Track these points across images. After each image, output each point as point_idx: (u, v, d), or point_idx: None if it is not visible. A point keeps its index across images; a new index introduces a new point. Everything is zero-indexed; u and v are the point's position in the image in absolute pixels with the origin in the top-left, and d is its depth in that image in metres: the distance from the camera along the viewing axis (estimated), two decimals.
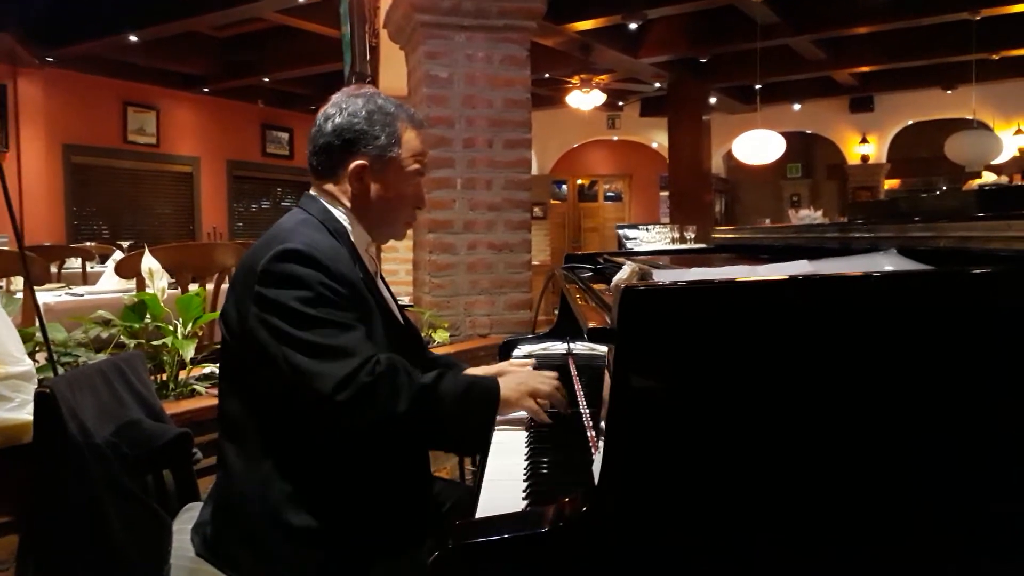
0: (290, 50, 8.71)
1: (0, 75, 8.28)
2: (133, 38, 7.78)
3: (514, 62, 3.39)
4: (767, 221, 6.86)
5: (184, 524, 1.61)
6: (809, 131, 11.76)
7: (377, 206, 1.53)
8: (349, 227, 1.52)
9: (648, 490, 0.84)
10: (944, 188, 11.50)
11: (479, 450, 1.45)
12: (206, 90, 10.14)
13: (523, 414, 1.49)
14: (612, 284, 1.46)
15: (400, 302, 1.73)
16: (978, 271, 0.86)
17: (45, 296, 3.70)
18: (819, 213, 5.14)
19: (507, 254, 3.39)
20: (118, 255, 6.65)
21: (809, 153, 12.50)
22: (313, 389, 1.29)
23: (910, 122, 11.08)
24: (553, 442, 1.41)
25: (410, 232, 3.75)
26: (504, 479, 1.24)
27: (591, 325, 0.95)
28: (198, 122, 10.51)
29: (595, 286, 1.73)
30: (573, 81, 8.18)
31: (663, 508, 0.84)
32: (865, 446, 0.82)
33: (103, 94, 9.38)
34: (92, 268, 6.43)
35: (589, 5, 6.70)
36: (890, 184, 11.70)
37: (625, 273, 1.45)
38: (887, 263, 1.10)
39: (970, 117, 9.14)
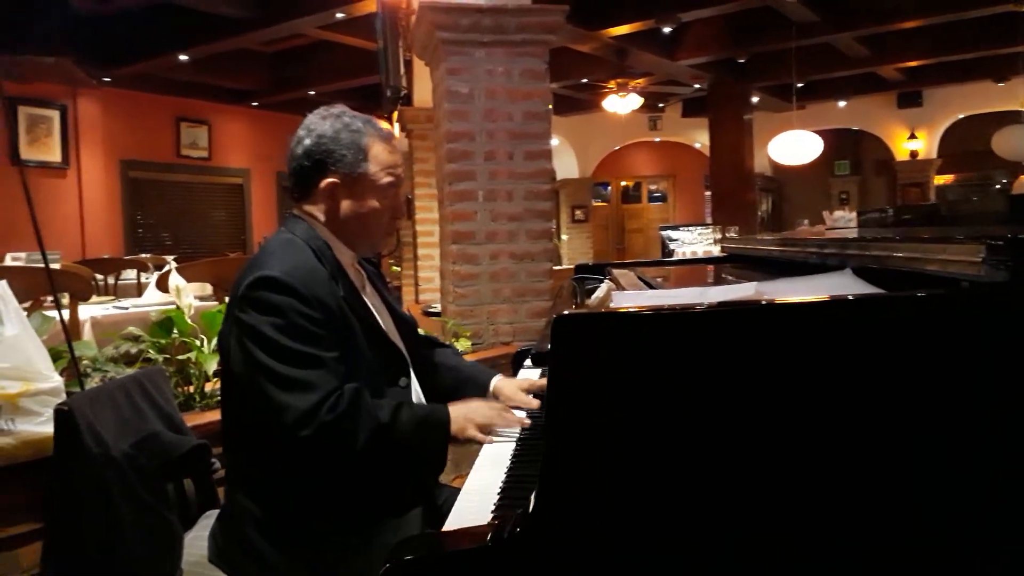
0: (332, 64, 8.93)
1: (61, 96, 8.66)
2: (184, 57, 8.07)
3: (533, 75, 3.45)
4: (805, 222, 6.76)
5: (202, 531, 1.71)
6: (856, 128, 11.52)
7: (353, 221, 1.57)
8: (331, 244, 1.57)
9: (579, 512, 0.89)
10: (1004, 182, 11.15)
11: (434, 476, 1.54)
12: (255, 104, 10.44)
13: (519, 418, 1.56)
14: (591, 301, 1.52)
15: (432, 308, 1.81)
16: (888, 295, 0.89)
17: (94, 309, 3.89)
18: (854, 214, 5.06)
19: (529, 263, 3.45)
20: (167, 268, 6.93)
21: (857, 150, 12.25)
22: (279, 420, 1.37)
23: (961, 116, 10.77)
24: (537, 456, 1.45)
25: (439, 241, 3.84)
26: (481, 491, 1.30)
27: (536, 349, 1.00)
28: (248, 135, 10.82)
29: (588, 301, 1.78)
30: (609, 85, 8.19)
31: (594, 530, 0.88)
32: (774, 464, 0.85)
33: (157, 111, 9.74)
34: (146, 279, 6.69)
35: (622, 10, 6.71)
36: (942, 179, 11.39)
37: (602, 292, 1.51)
38: (835, 285, 1.13)
39: (1022, 109, 8.85)
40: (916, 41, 8.20)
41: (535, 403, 1.69)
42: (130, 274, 6.85)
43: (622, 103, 8.10)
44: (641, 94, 8.41)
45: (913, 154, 11.07)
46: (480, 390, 1.76)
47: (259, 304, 1.41)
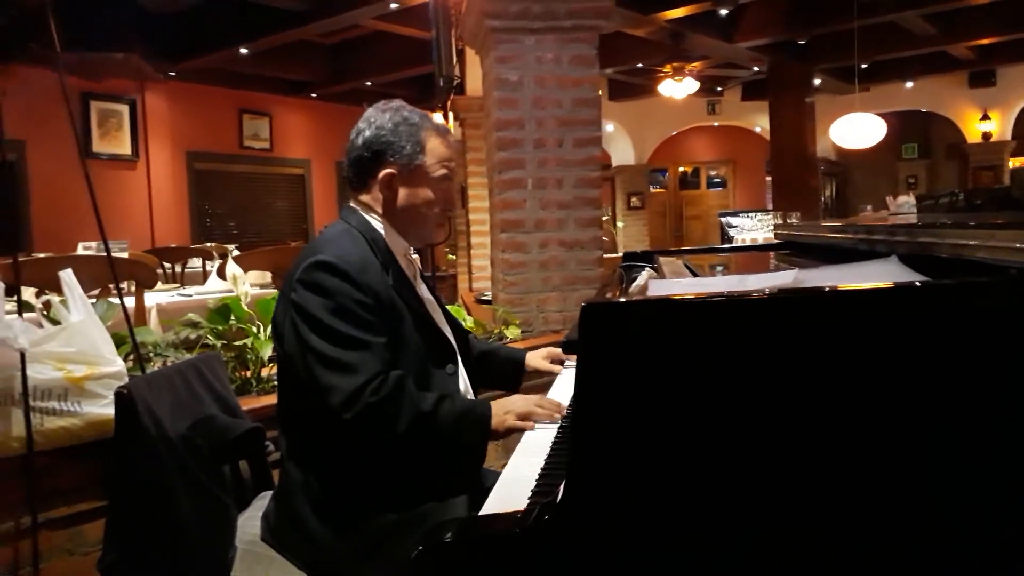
0: (388, 54, 9.02)
1: (130, 91, 8.96)
2: (244, 50, 8.26)
3: (583, 61, 3.43)
4: (868, 208, 6.57)
5: (256, 511, 1.77)
6: (924, 109, 11.12)
7: (407, 211, 1.63)
8: (385, 234, 1.63)
9: (607, 499, 0.89)
10: None
11: (474, 468, 1.57)
12: (314, 95, 10.62)
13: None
14: (631, 290, 1.52)
15: (485, 296, 1.86)
16: (934, 283, 0.87)
17: (159, 296, 4.03)
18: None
19: (578, 251, 3.44)
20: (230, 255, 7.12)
21: (926, 132, 11.83)
22: (324, 400, 1.43)
23: None
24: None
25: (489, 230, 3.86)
26: (520, 477, 1.31)
27: (565, 337, 1.01)
28: (307, 126, 11.03)
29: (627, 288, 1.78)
30: (665, 70, 8.08)
31: (622, 518, 0.89)
32: (813, 457, 0.84)
33: (220, 103, 9.99)
34: (211, 268, 6.90)
35: None
36: (1017, 162, 10.91)
37: (641, 280, 1.51)
38: (879, 272, 1.10)
39: None
40: (988, 17, 7.85)
41: (558, 369, 1.82)
42: (196, 262, 7.07)
43: (678, 87, 7.98)
44: (698, 78, 8.27)
45: (986, 136, 10.63)
46: (517, 366, 1.86)
47: (312, 286, 1.48)
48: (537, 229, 3.39)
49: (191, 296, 4.04)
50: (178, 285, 4.88)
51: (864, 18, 6.95)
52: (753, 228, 10.00)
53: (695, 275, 1.46)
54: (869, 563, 0.83)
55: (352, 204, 1.68)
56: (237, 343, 2.39)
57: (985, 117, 10.59)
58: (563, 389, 1.86)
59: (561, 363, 1.87)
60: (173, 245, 8.42)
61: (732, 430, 0.87)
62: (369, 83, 10.02)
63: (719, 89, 10.86)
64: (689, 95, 8.83)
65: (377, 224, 1.64)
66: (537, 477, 1.30)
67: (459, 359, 1.71)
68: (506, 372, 1.87)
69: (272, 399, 2.37)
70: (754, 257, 2.12)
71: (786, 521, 0.84)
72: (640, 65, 8.47)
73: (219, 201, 10.20)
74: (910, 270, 1.06)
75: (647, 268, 1.52)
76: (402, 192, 1.62)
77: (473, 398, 1.71)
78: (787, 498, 0.84)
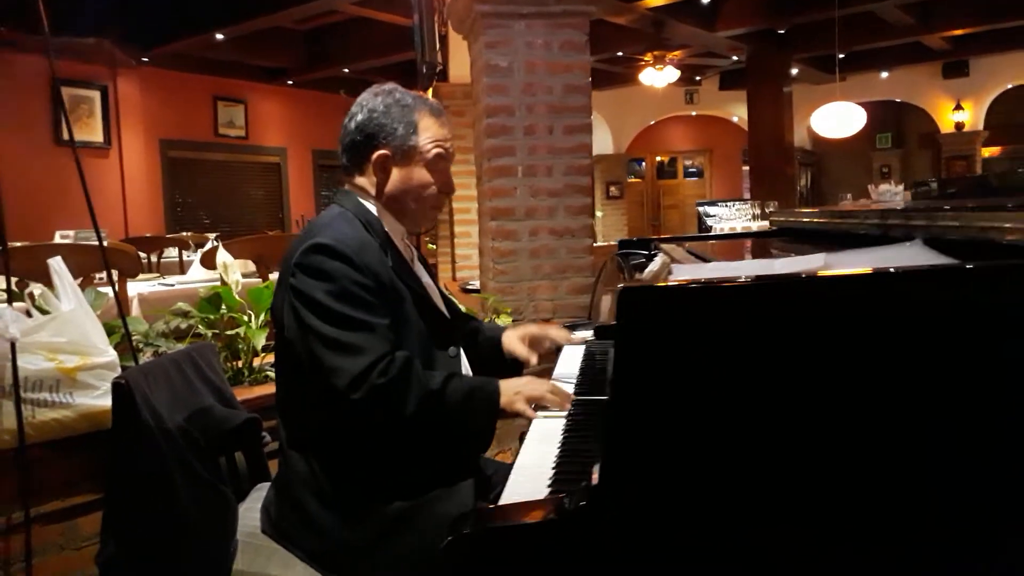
0: (367, 40, 8.91)
1: (101, 76, 8.78)
2: (220, 35, 8.12)
3: (573, 47, 3.40)
4: (848, 197, 6.62)
5: (254, 503, 1.73)
6: (899, 99, 11.24)
7: (402, 193, 1.60)
8: (380, 217, 1.61)
9: (646, 486, 0.88)
10: None
11: (481, 449, 1.57)
12: (290, 82, 10.48)
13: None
14: (644, 275, 1.50)
15: (470, 285, 1.82)
16: (980, 266, 0.85)
17: (140, 286, 3.95)
18: (900, 187, 4.95)
19: (569, 239, 3.42)
20: (211, 244, 7.02)
21: (900, 122, 11.96)
22: (330, 383, 1.40)
23: (1009, 86, 10.44)
24: (588, 431, 1.44)
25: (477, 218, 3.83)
26: (534, 466, 1.29)
27: (599, 322, 0.99)
28: (284, 113, 10.89)
29: (639, 276, 1.76)
30: (646, 58, 8.07)
31: (660, 504, 0.87)
32: (861, 441, 0.83)
33: (195, 90, 9.83)
34: (188, 257, 6.80)
35: None
36: (989, 152, 11.08)
37: (657, 265, 1.49)
38: (907, 256, 1.09)
39: None
40: (963, 8, 7.95)
41: (533, 359, 1.75)
42: (172, 252, 6.97)
43: (659, 76, 7.98)
44: (678, 67, 8.27)
45: (959, 126, 10.77)
46: (496, 347, 1.81)
47: (312, 270, 1.45)
48: (527, 217, 3.37)
49: (174, 286, 3.96)
50: (157, 275, 4.79)
51: (843, 7, 6.99)
52: (731, 217, 10.04)
53: (705, 261, 1.45)
54: (919, 552, 0.82)
55: (347, 188, 1.66)
56: (229, 332, 2.34)
57: (958, 107, 10.73)
58: (567, 368, 1.87)
59: (540, 344, 1.82)
60: (148, 234, 8.28)
61: (775, 414, 0.85)
62: (347, 70, 9.91)
63: (697, 79, 10.89)
64: (667, 84, 8.84)
65: (372, 207, 1.62)
66: (553, 465, 1.28)
67: (459, 340, 1.69)
68: (486, 354, 1.81)
69: (266, 389, 2.33)
70: (752, 244, 2.11)
71: (844, 502, 0.83)
72: (620, 53, 8.46)
73: (193, 190, 10.04)
74: (939, 254, 1.05)
75: (652, 255, 1.50)
76: (396, 174, 1.60)
77: (480, 377, 1.68)
78: (843, 477, 0.83)
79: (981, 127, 10.76)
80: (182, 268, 6.27)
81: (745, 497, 0.86)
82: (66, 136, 8.24)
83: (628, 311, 0.88)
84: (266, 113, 10.70)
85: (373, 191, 1.61)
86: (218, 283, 3.58)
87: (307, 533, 1.51)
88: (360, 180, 1.63)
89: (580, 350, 2.28)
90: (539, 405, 1.53)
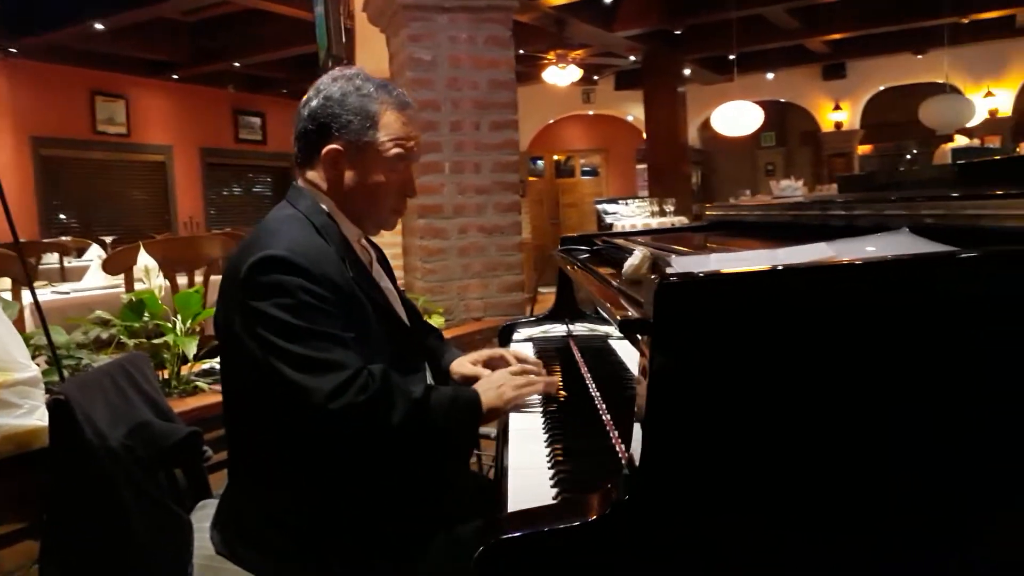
0: (260, 33, 8.60)
1: None
2: (99, 26, 7.62)
3: (498, 42, 3.38)
4: (747, 192, 6.91)
5: (199, 522, 1.62)
6: (783, 99, 11.82)
7: (357, 194, 1.46)
8: (336, 219, 1.47)
9: (691, 477, 0.86)
10: (915, 152, 11.64)
11: (462, 457, 1.51)
12: (175, 77, 9.98)
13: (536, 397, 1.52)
14: (625, 269, 1.48)
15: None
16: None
17: (29, 295, 3.64)
18: (800, 183, 5.19)
19: (498, 237, 3.39)
20: (95, 248, 6.57)
21: (783, 121, 12.57)
22: (305, 403, 1.26)
23: (882, 87, 11.17)
24: (569, 427, 1.42)
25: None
26: (528, 467, 1.25)
27: (619, 316, 0.96)
28: (169, 110, 10.35)
29: (600, 270, 1.74)
30: (549, 57, 8.14)
31: (707, 494, 0.86)
32: (919, 432, 0.83)
33: (71, 84, 9.21)
34: (70, 263, 6.35)
35: None
36: (863, 149, 11.81)
37: (637, 259, 1.47)
38: (905, 244, 1.11)
39: (941, 81, 9.22)
40: (842, 13, 8.43)
41: (484, 372, 1.64)
42: (51, 258, 6.50)
43: (562, 75, 8.06)
44: (580, 66, 8.39)
45: (838, 125, 11.43)
46: (445, 377, 1.70)
47: (265, 286, 1.30)
48: (456, 214, 3.32)
49: (69, 293, 3.68)
50: (46, 283, 4.44)
51: (737, 10, 7.27)
52: (631, 215, 10.23)
53: (679, 255, 1.44)
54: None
55: (299, 183, 1.51)
56: (156, 341, 2.18)
57: (837, 107, 11.38)
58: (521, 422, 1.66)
59: (495, 364, 1.68)
60: (23, 239, 7.69)
61: (816, 407, 0.85)
62: (237, 64, 9.53)
63: (595, 78, 11.08)
64: (569, 84, 8.94)
65: (328, 207, 1.47)
66: (550, 466, 1.25)
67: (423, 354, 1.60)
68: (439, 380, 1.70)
69: (199, 400, 2.19)
70: (702, 239, 2.14)
71: (891, 498, 0.83)
72: (522, 52, 8.48)
73: (70, 191, 9.41)
74: (931, 241, 1.08)
75: (637, 248, 1.49)
76: (349, 173, 1.45)
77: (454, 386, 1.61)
78: (888, 476, 0.83)
79: (858, 126, 11.45)
80: (63, 275, 5.85)
81: (794, 485, 0.85)
82: None
83: (670, 303, 0.85)
84: (150, 109, 10.14)
85: (325, 187, 1.47)
86: (121, 290, 3.36)
87: (260, 555, 1.40)
88: (311, 175, 1.48)
89: (527, 348, 2.25)
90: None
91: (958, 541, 0.85)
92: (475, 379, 1.59)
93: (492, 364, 1.69)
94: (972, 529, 0.85)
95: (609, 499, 0.87)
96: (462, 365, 1.69)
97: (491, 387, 1.44)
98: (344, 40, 4.89)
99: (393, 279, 1.68)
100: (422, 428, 1.34)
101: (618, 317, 0.98)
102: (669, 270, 1.02)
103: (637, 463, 0.88)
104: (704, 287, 0.86)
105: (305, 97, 1.48)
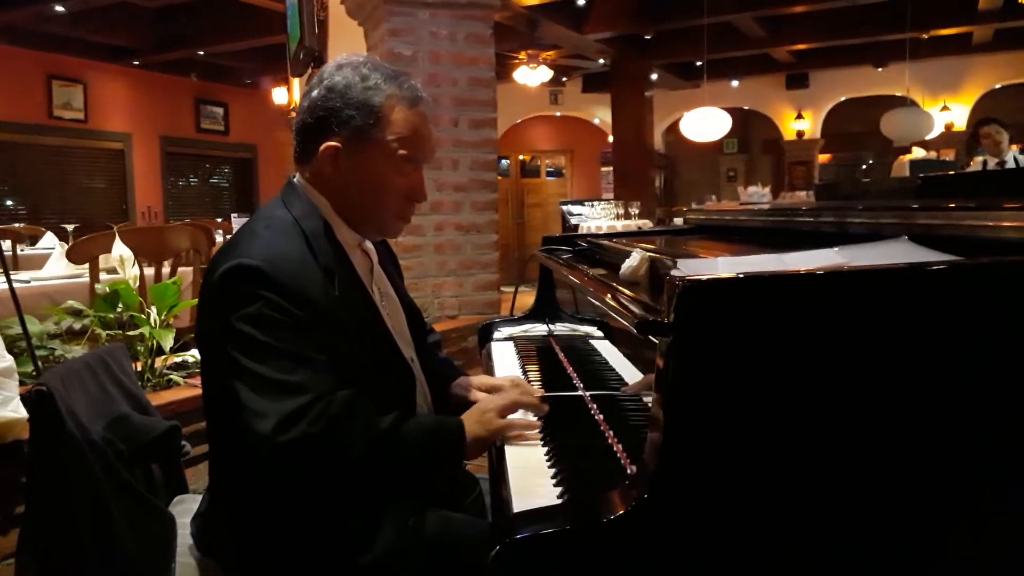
0: (225, 22, 8.45)
1: None
2: (59, 8, 7.41)
3: (478, 40, 3.37)
4: (712, 198, 7.00)
5: (178, 517, 1.59)
6: (747, 107, 11.99)
7: (356, 196, 1.34)
8: (332, 223, 1.36)
9: (710, 477, 0.86)
10: (871, 162, 11.91)
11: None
12: (136, 63, 9.76)
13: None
14: (623, 271, 1.48)
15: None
16: None
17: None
18: (767, 189, 5.28)
19: (474, 235, 3.38)
20: (51, 236, 6.39)
21: (746, 129, 12.76)
22: (252, 429, 1.15)
23: (843, 98, 11.41)
24: (563, 427, 1.41)
25: None
26: (525, 467, 1.25)
27: (635, 319, 0.96)
28: (129, 96, 10.11)
29: (592, 270, 1.74)
30: (520, 56, 8.14)
31: (726, 495, 0.86)
32: (942, 439, 0.85)
33: (25, 67, 8.93)
34: (23, 251, 6.16)
35: None
36: (822, 158, 12.05)
37: (635, 260, 1.47)
38: (909, 252, 1.13)
39: (900, 94, 9.46)
40: (807, 24, 8.60)
41: (483, 395, 1.55)
42: (3, 244, 6.30)
43: (533, 75, 8.07)
44: (550, 67, 8.41)
45: (800, 134, 11.64)
46: (442, 390, 1.59)
47: (236, 298, 1.21)
48: (433, 211, 3.30)
49: (29, 282, 3.56)
50: None
51: (708, 17, 7.36)
52: (596, 216, 10.24)
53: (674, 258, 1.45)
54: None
55: (296, 179, 1.40)
56: (131, 333, 2.12)
57: (799, 116, 11.59)
58: (506, 369, 1.77)
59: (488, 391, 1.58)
60: None
61: (838, 411, 0.86)
62: (201, 52, 9.35)
63: (563, 80, 11.12)
64: (539, 84, 8.97)
65: (325, 209, 1.36)
66: (550, 465, 1.24)
67: (418, 386, 1.45)
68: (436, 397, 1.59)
69: (176, 394, 2.15)
70: (685, 242, 2.16)
71: (928, 506, 0.84)
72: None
73: (22, 177, 9.12)
74: (933, 251, 1.10)
75: (634, 250, 1.49)
76: (349, 172, 1.32)
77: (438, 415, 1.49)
78: (927, 480, 0.84)
79: (819, 135, 11.68)
80: (16, 263, 5.67)
81: (817, 489, 0.86)
82: None
83: (693, 305, 0.86)
84: (108, 95, 9.89)
85: (323, 188, 1.35)
86: (85, 280, 3.27)
87: (240, 553, 1.36)
88: (310, 172, 1.37)
89: (509, 347, 2.25)
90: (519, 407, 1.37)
91: (979, 548, 0.87)
92: (472, 404, 1.51)
93: (491, 390, 1.58)
94: (992, 535, 0.87)
95: (628, 497, 0.87)
96: (466, 387, 1.60)
97: (475, 415, 1.32)
98: (317, 32, 4.83)
99: (399, 279, 1.61)
100: (390, 463, 1.23)
101: (634, 319, 0.98)
102: (678, 272, 1.02)
103: (654, 464, 0.88)
104: (729, 289, 0.86)
105: (308, 86, 1.38)
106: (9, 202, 9.07)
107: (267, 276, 1.20)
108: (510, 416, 1.36)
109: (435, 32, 3.27)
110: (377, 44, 3.43)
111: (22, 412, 1.52)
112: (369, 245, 1.47)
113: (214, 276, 1.25)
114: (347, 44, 4.33)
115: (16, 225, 7.49)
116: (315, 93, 1.34)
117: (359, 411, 1.21)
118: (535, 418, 1.39)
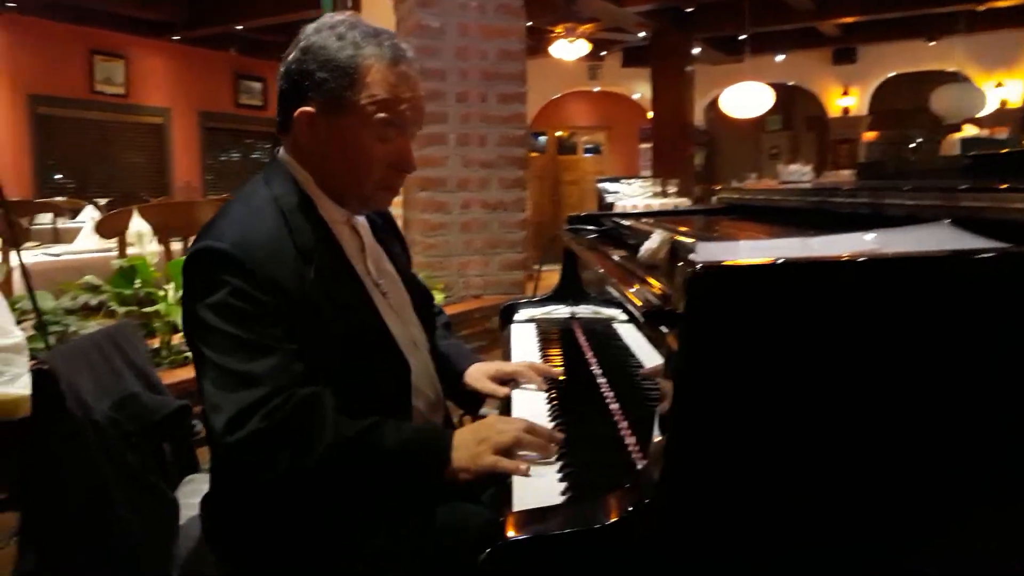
0: None
1: None
2: None
3: (508, 11, 3.27)
4: (754, 176, 6.81)
5: (186, 498, 1.57)
6: (791, 83, 11.67)
7: (335, 166, 1.26)
8: (315, 199, 1.29)
9: (719, 476, 0.80)
10: (919, 141, 11.52)
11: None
12: (176, 38, 9.81)
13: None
14: (641, 253, 1.40)
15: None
16: None
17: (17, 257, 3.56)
18: (809, 168, 5.11)
19: (501, 213, 3.31)
20: (90, 210, 6.48)
21: (790, 105, 12.42)
22: (209, 423, 1.12)
23: (892, 74, 11.02)
24: (574, 415, 1.35)
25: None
26: (530, 457, 1.19)
27: (644, 307, 0.89)
28: (168, 71, 10.19)
29: (614, 252, 1.67)
30: (557, 30, 7.99)
31: (737, 495, 0.80)
32: (958, 433, 0.77)
33: (69, 42, 9.03)
34: (63, 224, 6.26)
35: None
36: (868, 136, 11.69)
37: (655, 243, 1.39)
38: (951, 238, 1.04)
39: (952, 69, 9.11)
40: None
41: (502, 391, 1.46)
42: (44, 218, 6.41)
43: (571, 49, 7.92)
44: (587, 41, 8.25)
45: (846, 110, 11.30)
46: (456, 379, 1.51)
47: (200, 283, 1.16)
48: (459, 189, 3.23)
49: (60, 256, 3.59)
50: (37, 243, 4.34)
51: None
52: (633, 195, 10.12)
53: (703, 241, 1.37)
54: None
55: (280, 153, 1.32)
56: (147, 309, 2.10)
57: (845, 92, 11.24)
58: (525, 409, 1.39)
59: (507, 382, 1.48)
60: (15, 199, 7.57)
61: (859, 403, 0.78)
62: (240, 27, 9.36)
63: (602, 54, 10.92)
64: (576, 59, 8.81)
65: (307, 184, 1.28)
66: (557, 458, 1.18)
67: (415, 374, 1.34)
68: (446, 384, 1.48)
69: (188, 372, 2.11)
70: (717, 222, 2.06)
71: (941, 502, 0.77)
72: (529, 24, 8.34)
73: (66, 151, 9.27)
74: (978, 236, 1.01)
75: (656, 231, 1.41)
76: (326, 140, 1.24)
77: (426, 425, 1.35)
78: (940, 476, 0.77)
79: (866, 112, 11.32)
80: (57, 236, 5.76)
81: (835, 484, 0.79)
82: None
83: (704, 293, 0.78)
84: (149, 70, 9.97)
85: (305, 160, 1.28)
86: (114, 254, 3.28)
87: (244, 538, 1.31)
88: (291, 144, 1.29)
89: (530, 329, 2.19)
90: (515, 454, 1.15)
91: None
92: (489, 396, 1.45)
93: (507, 379, 1.50)
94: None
95: (627, 502, 0.81)
96: (478, 379, 1.50)
97: (470, 440, 1.17)
98: (350, 5, 4.79)
99: (401, 254, 1.52)
100: (356, 469, 1.14)
101: (643, 308, 0.91)
102: (695, 256, 0.94)
103: (660, 464, 0.82)
104: (743, 276, 0.79)
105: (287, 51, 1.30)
106: (57, 176, 9.21)
107: (234, 260, 1.14)
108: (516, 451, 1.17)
109: (464, 3, 3.20)
110: (405, 16, 3.36)
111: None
112: (360, 220, 1.38)
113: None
114: (379, 16, 4.27)
115: (58, 199, 7.60)
116: (291, 56, 1.26)
117: (323, 409, 1.14)
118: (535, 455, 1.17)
